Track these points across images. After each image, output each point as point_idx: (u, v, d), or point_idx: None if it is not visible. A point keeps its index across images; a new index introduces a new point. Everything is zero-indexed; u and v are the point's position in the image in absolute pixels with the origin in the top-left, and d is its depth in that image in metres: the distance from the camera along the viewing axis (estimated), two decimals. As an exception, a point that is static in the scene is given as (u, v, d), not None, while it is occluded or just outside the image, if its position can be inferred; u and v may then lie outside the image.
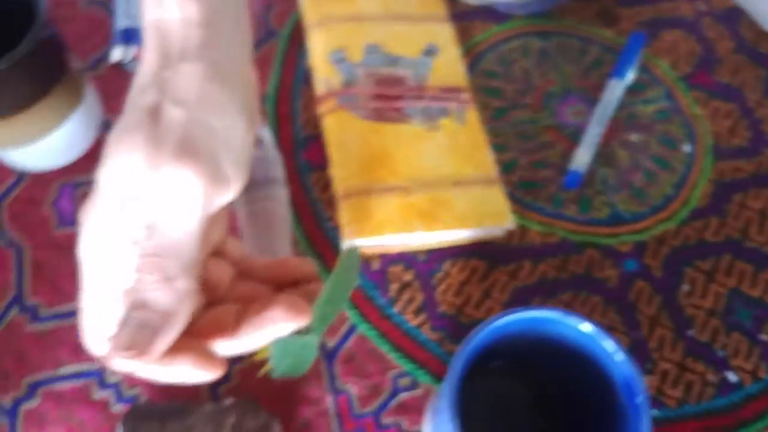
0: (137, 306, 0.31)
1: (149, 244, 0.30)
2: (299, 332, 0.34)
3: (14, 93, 0.47)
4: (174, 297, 0.31)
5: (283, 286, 0.37)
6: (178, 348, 0.33)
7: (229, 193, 0.33)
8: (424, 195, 0.52)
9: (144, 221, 0.30)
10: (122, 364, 0.31)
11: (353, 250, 0.37)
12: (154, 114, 0.31)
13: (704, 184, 0.57)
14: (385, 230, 0.50)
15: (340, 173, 0.53)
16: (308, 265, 0.38)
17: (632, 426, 0.35)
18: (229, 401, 0.44)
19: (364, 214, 0.51)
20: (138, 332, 0.30)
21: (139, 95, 0.32)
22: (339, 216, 0.52)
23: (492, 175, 0.54)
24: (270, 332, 0.34)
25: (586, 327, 0.37)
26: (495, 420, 0.43)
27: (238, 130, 0.33)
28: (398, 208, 0.51)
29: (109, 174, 0.30)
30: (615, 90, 0.60)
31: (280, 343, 0.34)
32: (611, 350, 0.36)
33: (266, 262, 0.38)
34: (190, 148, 0.30)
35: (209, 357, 0.33)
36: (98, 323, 0.32)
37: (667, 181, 0.57)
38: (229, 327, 0.34)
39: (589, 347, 0.37)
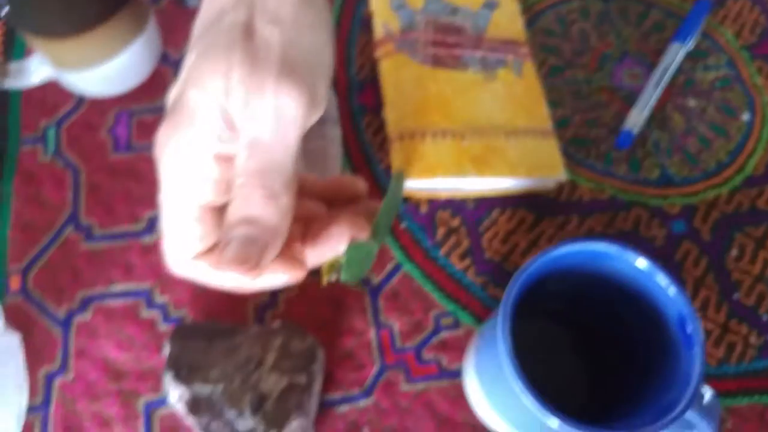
0: (245, 222, 0.31)
1: (253, 162, 0.31)
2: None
3: (84, 10, 0.48)
4: (279, 213, 0.32)
5: (334, 203, 0.39)
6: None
7: (319, 113, 0.33)
8: (478, 141, 0.53)
9: (245, 140, 0.31)
10: (220, 277, 0.34)
11: (400, 173, 0.42)
12: (247, 33, 0.31)
13: (761, 153, 0.57)
14: (436, 172, 0.51)
15: (395, 115, 0.54)
16: (361, 182, 0.39)
17: (685, 360, 0.35)
18: (276, 324, 0.45)
19: (416, 156, 0.52)
20: (247, 247, 0.31)
21: (220, 16, 0.32)
22: (391, 157, 0.53)
23: (547, 127, 0.55)
24: (333, 248, 0.35)
25: (642, 262, 0.37)
26: (541, 361, 0.44)
27: (326, 50, 0.34)
28: (451, 151, 0.52)
29: (201, 93, 0.30)
30: (676, 54, 0.60)
31: (350, 252, 0.35)
32: (664, 285, 0.37)
33: (317, 179, 0.39)
34: (290, 68, 0.31)
35: (295, 261, 0.35)
36: (179, 240, 0.33)
37: (722, 148, 0.57)
38: (297, 243, 0.36)
39: (642, 283, 0.38)
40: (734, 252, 0.53)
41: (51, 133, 0.56)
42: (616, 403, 0.40)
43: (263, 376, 0.42)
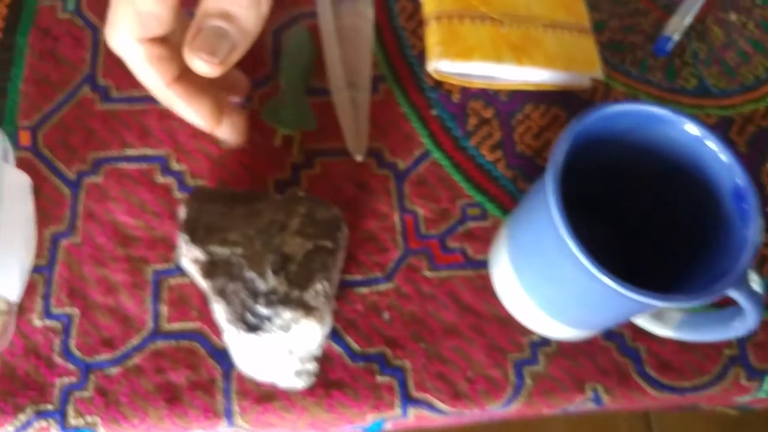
0: (222, 16, 0.30)
1: None
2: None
3: None
4: (257, 19, 0.31)
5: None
6: (200, 89, 0.35)
7: None
8: (517, 29, 0.46)
9: None
10: (150, 74, 0.33)
11: (300, 30, 0.45)
12: None
13: (798, 72, 0.51)
14: (474, 56, 0.44)
15: (433, -4, 0.47)
16: (245, 82, 0.43)
17: (738, 230, 0.30)
18: (300, 193, 0.39)
19: (453, 37, 0.45)
20: (218, 40, 0.30)
21: None
22: (426, 36, 0.46)
23: (585, 24, 0.48)
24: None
25: (696, 129, 0.31)
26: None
27: None
28: (490, 36, 0.45)
29: None
30: (717, -33, 0.53)
31: (270, 112, 0.43)
32: (719, 153, 0.31)
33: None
34: None
35: (219, 114, 0.37)
36: (134, 14, 0.31)
37: (760, 64, 0.51)
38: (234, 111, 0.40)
39: (694, 153, 0.32)
40: (768, 166, 0.47)
41: (71, -9, 0.48)
42: (663, 282, 0.34)
43: (286, 239, 0.35)
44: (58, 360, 0.38)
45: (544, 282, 0.34)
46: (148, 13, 0.31)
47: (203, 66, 0.30)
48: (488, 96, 0.47)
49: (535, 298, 0.36)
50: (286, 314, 0.33)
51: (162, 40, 0.33)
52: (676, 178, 0.34)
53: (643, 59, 0.51)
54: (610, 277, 0.27)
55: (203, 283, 0.36)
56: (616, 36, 0.51)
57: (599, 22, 0.52)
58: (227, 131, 0.39)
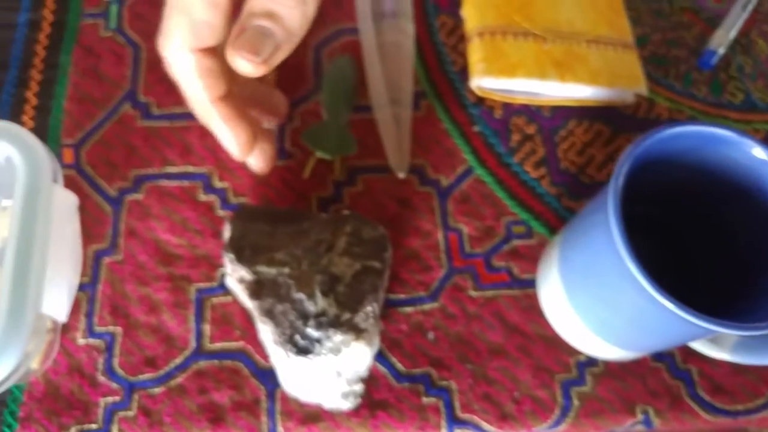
0: (267, 15, 0.29)
1: None
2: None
3: None
4: (303, 19, 0.30)
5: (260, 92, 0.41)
6: (241, 114, 0.35)
7: None
8: (560, 45, 0.45)
9: None
10: (197, 87, 0.33)
11: (345, 58, 0.45)
12: None
13: None
14: (517, 73, 0.44)
15: (475, 12, 0.46)
16: (285, 105, 0.43)
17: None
18: (345, 212, 0.38)
19: (497, 54, 0.44)
20: (262, 39, 0.29)
21: None
22: (469, 53, 0.45)
23: (628, 40, 0.47)
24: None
25: (761, 152, 0.30)
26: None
27: None
28: (533, 53, 0.44)
29: None
30: (761, -21, 0.52)
31: (311, 137, 0.41)
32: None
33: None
34: None
35: (253, 142, 0.36)
36: (187, 22, 0.31)
37: (806, 77, 0.49)
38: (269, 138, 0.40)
39: (757, 174, 0.31)
40: (818, 183, 0.45)
41: (114, 9, 0.48)
42: (717, 304, 0.33)
43: (334, 259, 0.35)
44: (102, 379, 0.38)
45: (598, 303, 0.33)
46: (202, 22, 0.31)
47: (246, 65, 0.29)
48: (531, 112, 0.46)
49: (585, 318, 0.35)
50: (337, 337, 0.32)
51: (213, 52, 0.33)
52: (736, 199, 0.33)
53: (687, 73, 0.50)
54: (677, 305, 0.26)
55: (249, 304, 0.35)
56: (659, 50, 0.50)
57: (642, 36, 0.51)
58: (256, 158, 0.38)
